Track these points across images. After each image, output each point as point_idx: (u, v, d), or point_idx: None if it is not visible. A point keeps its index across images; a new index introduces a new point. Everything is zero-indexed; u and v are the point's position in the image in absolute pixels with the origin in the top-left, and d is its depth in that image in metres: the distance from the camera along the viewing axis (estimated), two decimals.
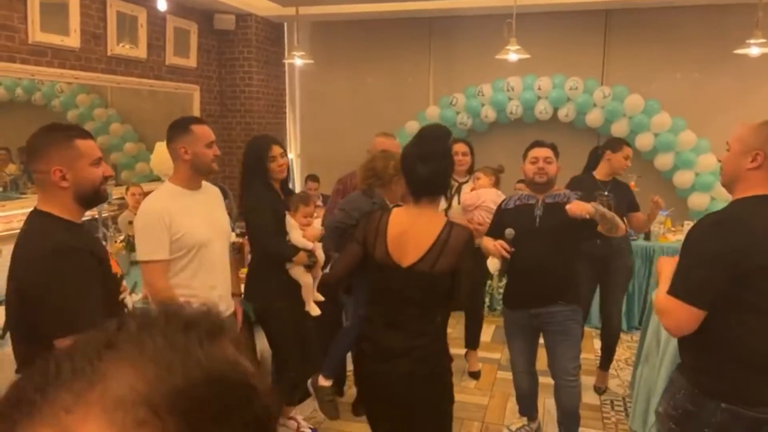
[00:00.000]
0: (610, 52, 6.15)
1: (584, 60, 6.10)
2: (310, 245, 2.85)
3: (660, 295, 1.83)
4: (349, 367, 3.66)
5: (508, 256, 2.68)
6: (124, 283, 1.93)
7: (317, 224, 2.96)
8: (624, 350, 4.35)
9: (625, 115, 5.76)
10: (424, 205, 2.07)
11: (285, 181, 3.03)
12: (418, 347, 2.05)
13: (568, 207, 2.57)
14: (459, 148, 3.81)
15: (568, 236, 2.70)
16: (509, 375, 3.99)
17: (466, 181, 3.83)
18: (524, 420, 3.26)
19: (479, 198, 3.67)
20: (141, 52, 5.21)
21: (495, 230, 2.85)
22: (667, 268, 1.93)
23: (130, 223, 3.65)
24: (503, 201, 2.98)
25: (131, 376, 0.41)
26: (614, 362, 3.96)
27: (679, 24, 5.90)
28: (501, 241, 2.71)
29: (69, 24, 4.43)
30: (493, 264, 2.76)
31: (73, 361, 0.42)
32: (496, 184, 3.82)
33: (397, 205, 2.50)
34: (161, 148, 4.03)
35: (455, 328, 4.41)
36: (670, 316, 1.75)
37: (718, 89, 5.85)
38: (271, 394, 0.48)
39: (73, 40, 4.48)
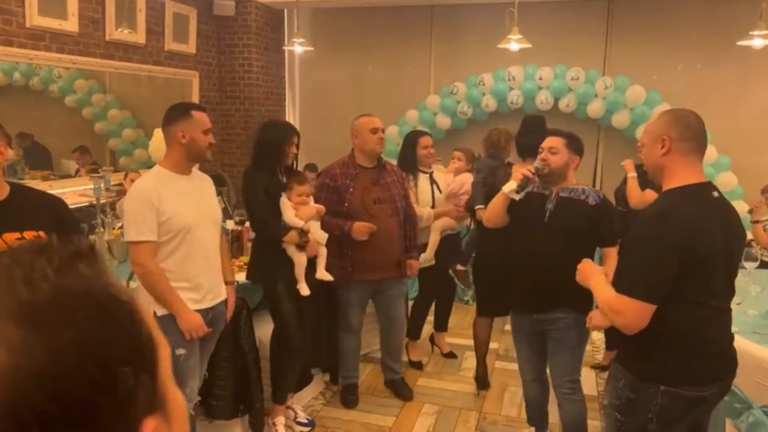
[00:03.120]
0: (612, 42, 6.11)
1: (586, 50, 6.06)
2: (300, 223, 2.87)
3: (605, 295, 1.82)
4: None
5: (531, 175, 2.55)
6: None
7: (312, 205, 3.01)
8: None
9: (626, 106, 5.73)
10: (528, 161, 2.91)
11: (291, 167, 3.06)
12: None
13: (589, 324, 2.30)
14: (426, 141, 3.79)
15: (578, 238, 2.46)
16: (506, 365, 4.03)
17: (432, 171, 3.82)
18: (532, 430, 3.05)
19: (463, 185, 3.74)
20: (140, 37, 5.16)
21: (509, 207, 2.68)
22: (591, 269, 1.98)
23: None
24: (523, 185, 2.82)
25: None
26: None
27: (682, 14, 5.86)
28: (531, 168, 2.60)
29: (67, 8, 4.39)
30: (509, 185, 2.62)
31: None
32: (471, 170, 3.90)
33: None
34: (160, 134, 4.00)
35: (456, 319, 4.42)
36: (624, 316, 1.73)
37: (721, 81, 5.81)
38: (136, 312, 0.49)
39: (71, 25, 4.43)
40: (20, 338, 0.42)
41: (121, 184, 4.61)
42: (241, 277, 3.17)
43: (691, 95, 5.63)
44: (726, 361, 1.84)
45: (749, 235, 4.21)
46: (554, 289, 2.50)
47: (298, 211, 2.91)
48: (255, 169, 2.96)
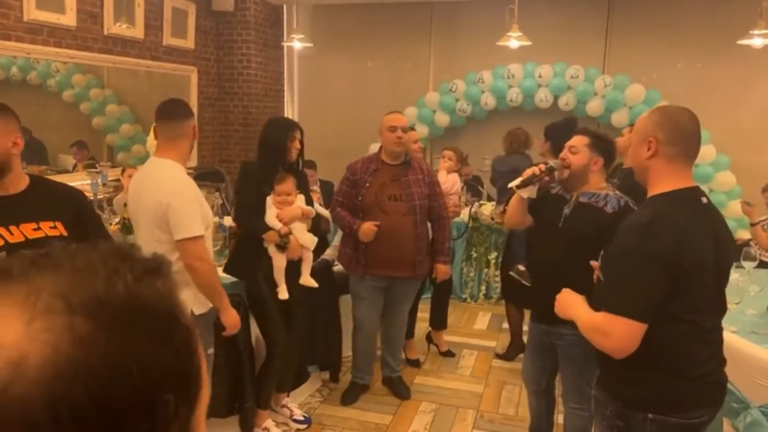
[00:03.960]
0: (612, 41, 6.10)
1: (586, 48, 6.06)
2: (277, 225, 2.79)
3: (588, 317, 1.68)
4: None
5: (538, 172, 2.36)
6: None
7: (295, 206, 2.88)
8: None
9: (625, 104, 5.73)
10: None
11: (295, 164, 2.97)
12: None
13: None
14: (415, 135, 3.79)
15: (587, 247, 2.09)
16: (504, 363, 4.02)
17: None
18: None
19: (454, 185, 3.77)
20: (138, 32, 5.14)
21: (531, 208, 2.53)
22: (571, 299, 1.82)
23: (125, 205, 3.61)
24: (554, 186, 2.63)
25: (56, 275, 0.44)
26: None
27: (682, 13, 5.85)
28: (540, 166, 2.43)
29: (65, 2, 4.36)
30: (515, 181, 2.46)
31: (8, 262, 0.46)
32: (459, 170, 3.96)
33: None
34: None
35: (454, 315, 4.42)
36: (613, 338, 1.58)
37: (721, 80, 5.81)
38: (194, 341, 0.48)
39: (69, 19, 4.41)
40: (87, 332, 0.42)
41: (118, 180, 4.59)
42: None
43: (691, 94, 5.63)
44: (715, 386, 1.70)
45: (748, 235, 4.22)
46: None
47: (281, 211, 2.83)
48: (253, 163, 2.92)
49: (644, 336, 1.56)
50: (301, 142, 2.94)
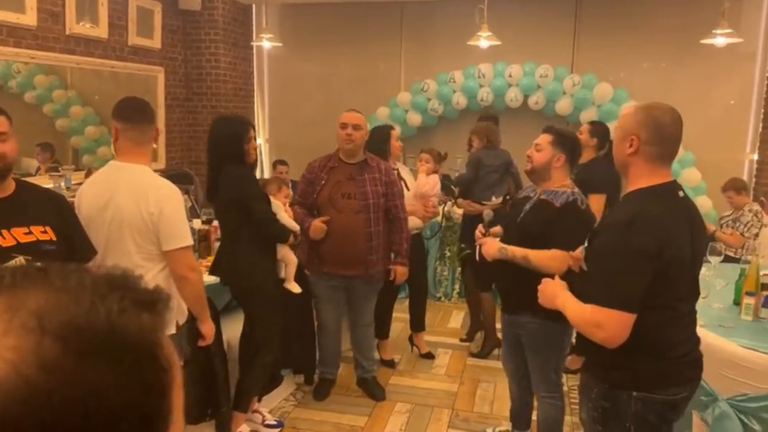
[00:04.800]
0: (579, 41, 6.17)
1: (554, 48, 6.12)
2: (297, 227, 2.94)
3: (579, 310, 1.75)
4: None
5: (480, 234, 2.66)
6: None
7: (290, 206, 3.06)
8: None
9: (594, 103, 5.80)
10: None
11: (253, 166, 2.99)
12: None
13: (481, 246, 2.52)
14: (395, 133, 3.84)
15: (536, 241, 2.37)
16: (478, 362, 4.04)
17: (397, 168, 3.78)
18: (509, 426, 2.99)
19: (434, 187, 3.78)
20: (102, 31, 5.02)
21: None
22: (554, 289, 1.89)
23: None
24: (522, 189, 2.87)
25: (41, 295, 0.44)
26: None
27: (648, 14, 5.95)
28: (479, 226, 2.70)
29: (25, 1, 4.23)
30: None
31: (1, 271, 0.46)
32: (438, 170, 3.97)
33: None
34: None
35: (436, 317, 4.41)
36: (605, 329, 1.66)
37: (685, 78, 5.93)
38: (169, 384, 0.47)
39: (29, 18, 4.28)
40: (55, 356, 0.41)
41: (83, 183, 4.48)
42: (209, 278, 3.10)
43: (657, 92, 5.72)
44: (693, 364, 1.82)
45: (712, 227, 4.31)
46: (517, 291, 2.46)
47: (288, 212, 2.98)
48: (233, 165, 2.77)
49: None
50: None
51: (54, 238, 1.89)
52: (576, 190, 2.48)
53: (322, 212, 3.18)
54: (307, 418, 3.29)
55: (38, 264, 0.47)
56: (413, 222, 3.71)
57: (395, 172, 3.70)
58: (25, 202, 1.90)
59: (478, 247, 2.64)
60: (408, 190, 3.74)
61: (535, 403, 2.77)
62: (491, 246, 2.49)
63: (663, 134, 1.71)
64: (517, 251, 2.41)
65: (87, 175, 4.44)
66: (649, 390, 1.73)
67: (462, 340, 4.36)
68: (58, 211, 1.99)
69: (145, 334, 0.45)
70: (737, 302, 2.77)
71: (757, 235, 4.22)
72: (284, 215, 2.90)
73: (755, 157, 5.99)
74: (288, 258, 2.97)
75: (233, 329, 3.16)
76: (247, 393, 2.98)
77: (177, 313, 2.21)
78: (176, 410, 0.48)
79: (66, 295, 0.44)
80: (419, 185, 3.78)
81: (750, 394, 2.14)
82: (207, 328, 2.33)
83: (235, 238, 2.85)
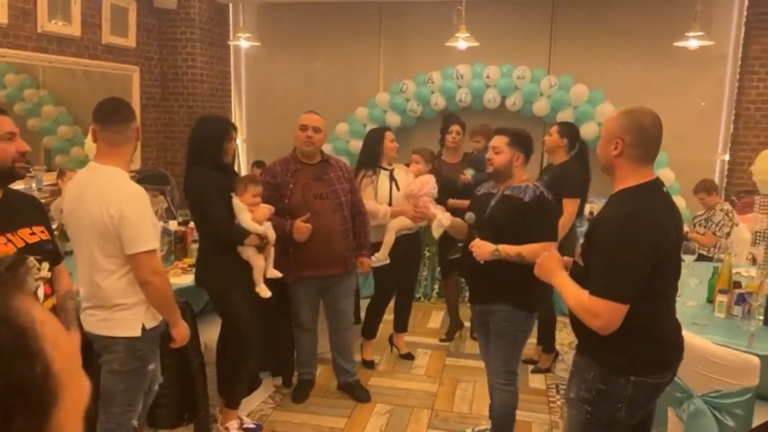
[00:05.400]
0: (556, 42, 6.24)
1: (531, 49, 6.18)
2: (260, 228, 2.80)
3: (577, 297, 1.82)
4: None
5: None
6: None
7: (264, 205, 2.92)
8: (568, 334, 4.45)
9: (570, 104, 5.87)
10: None
11: (230, 165, 2.95)
12: None
13: (472, 250, 2.54)
14: (391, 135, 3.79)
15: (508, 233, 2.51)
16: (457, 361, 4.05)
17: (393, 168, 3.79)
18: (489, 423, 2.99)
19: (423, 187, 3.72)
20: (75, 29, 4.93)
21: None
22: (552, 265, 1.97)
23: (62, 211, 3.45)
24: (479, 186, 2.90)
25: None
26: (559, 346, 4.06)
27: (622, 17, 6.05)
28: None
29: None
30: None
31: None
32: (432, 170, 3.90)
33: None
34: None
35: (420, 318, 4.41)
36: (601, 318, 1.75)
37: (659, 80, 6.04)
38: (32, 345, 0.45)
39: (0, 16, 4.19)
40: None
41: (55, 184, 4.39)
42: (186, 279, 3.07)
43: (631, 94, 5.81)
44: (680, 348, 1.93)
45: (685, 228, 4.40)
46: (488, 281, 2.60)
47: (254, 213, 2.81)
48: (203, 167, 2.80)
49: (629, 312, 1.75)
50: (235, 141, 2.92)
51: (50, 238, 1.97)
52: (537, 183, 2.66)
53: (296, 216, 3.12)
54: (285, 420, 3.27)
55: None
56: (402, 222, 3.71)
57: (389, 172, 3.72)
58: (16, 204, 1.93)
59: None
60: (398, 190, 3.74)
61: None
62: (484, 248, 2.52)
63: (646, 137, 1.81)
64: (509, 250, 2.49)
65: (59, 176, 4.37)
66: (645, 374, 1.83)
67: (441, 340, 4.37)
68: (42, 212, 2.05)
69: (9, 311, 0.44)
70: (710, 300, 2.82)
71: (729, 234, 4.30)
72: (246, 217, 2.78)
73: (726, 157, 6.12)
74: (252, 261, 2.85)
75: (211, 332, 3.12)
76: (233, 391, 2.98)
77: (144, 317, 2.17)
78: (65, 375, 0.45)
79: None
80: (406, 185, 3.76)
81: (723, 391, 2.18)
82: (177, 331, 2.28)
83: (202, 240, 2.94)
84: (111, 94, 2.49)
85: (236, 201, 2.79)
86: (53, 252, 1.95)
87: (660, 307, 1.84)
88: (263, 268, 2.89)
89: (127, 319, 2.14)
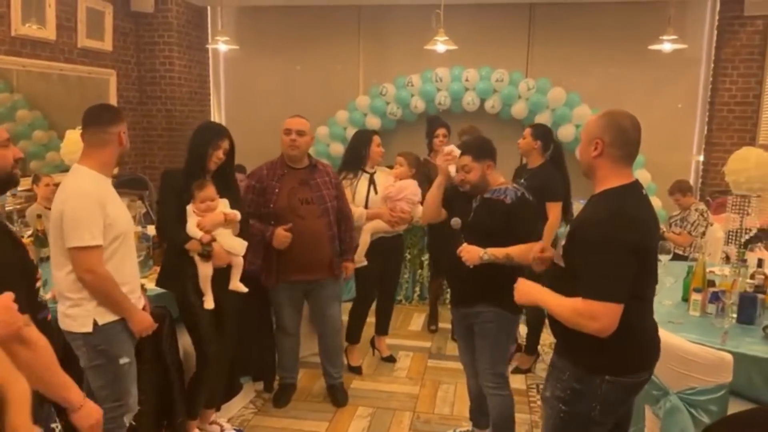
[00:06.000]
0: (534, 46, 6.31)
1: (510, 53, 6.24)
2: (198, 234, 2.68)
3: (569, 305, 1.81)
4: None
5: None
6: (39, 271, 1.85)
7: (219, 212, 2.75)
8: (548, 335, 4.49)
9: (548, 107, 5.93)
10: None
11: (225, 170, 2.84)
12: None
13: (462, 255, 2.55)
14: (378, 139, 3.79)
15: (494, 235, 2.55)
16: (439, 363, 4.07)
17: (374, 172, 3.79)
18: (470, 425, 3.06)
19: (401, 191, 3.72)
20: (49, 33, 4.86)
21: (445, 203, 2.85)
22: (531, 289, 1.99)
23: (39, 216, 3.40)
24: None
25: None
26: (540, 346, 4.09)
27: (598, 21, 6.14)
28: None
29: None
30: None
31: None
32: (415, 175, 3.90)
33: None
34: (73, 135, 3.77)
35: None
36: (599, 320, 1.74)
37: (634, 82, 6.14)
38: None
39: None
40: None
41: (30, 190, 4.32)
42: None
43: (608, 96, 5.90)
44: (655, 347, 1.95)
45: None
46: (474, 283, 2.61)
47: (203, 219, 2.71)
48: (173, 172, 2.80)
49: None
50: (231, 150, 2.83)
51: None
52: (515, 185, 2.71)
53: (281, 221, 3.09)
54: (267, 425, 3.25)
55: None
56: (378, 225, 3.71)
57: (369, 175, 3.71)
58: None
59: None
60: (376, 193, 3.73)
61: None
62: (473, 252, 2.53)
63: (625, 137, 1.84)
64: (497, 252, 2.51)
65: (34, 181, 4.30)
66: (621, 374, 1.85)
67: (432, 330, 4.63)
68: None
69: None
70: (686, 299, 2.86)
71: (704, 233, 4.37)
72: (191, 222, 2.70)
73: (701, 158, 6.23)
74: (198, 268, 2.73)
75: (189, 338, 3.09)
76: (191, 400, 2.89)
77: (95, 312, 2.20)
78: (1, 381, 0.45)
79: None
80: (384, 188, 3.76)
81: (698, 388, 2.21)
82: (132, 324, 2.29)
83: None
84: (87, 97, 2.51)
85: (189, 207, 2.72)
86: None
87: (638, 308, 1.84)
88: (208, 276, 2.74)
89: (79, 315, 2.19)
